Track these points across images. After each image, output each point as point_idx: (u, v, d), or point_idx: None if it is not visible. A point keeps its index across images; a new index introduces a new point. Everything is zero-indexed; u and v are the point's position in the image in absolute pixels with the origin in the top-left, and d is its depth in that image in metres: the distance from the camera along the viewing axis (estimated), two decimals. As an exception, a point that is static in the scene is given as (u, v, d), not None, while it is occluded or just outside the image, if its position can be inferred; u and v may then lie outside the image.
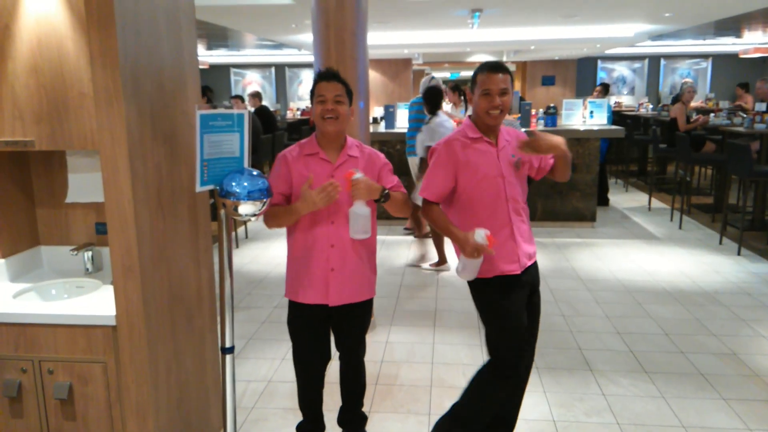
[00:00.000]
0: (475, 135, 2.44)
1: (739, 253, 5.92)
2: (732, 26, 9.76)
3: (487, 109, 2.37)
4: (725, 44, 13.13)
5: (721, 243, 6.32)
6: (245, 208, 2.18)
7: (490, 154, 2.43)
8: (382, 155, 2.56)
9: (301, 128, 11.30)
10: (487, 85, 2.36)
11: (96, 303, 2.24)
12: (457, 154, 2.43)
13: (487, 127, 2.45)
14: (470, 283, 2.53)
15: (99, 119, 2.01)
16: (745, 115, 8.05)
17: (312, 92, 2.46)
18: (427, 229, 6.74)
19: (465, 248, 2.33)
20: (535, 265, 2.57)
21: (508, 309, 2.47)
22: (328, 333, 2.63)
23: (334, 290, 2.46)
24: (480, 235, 2.30)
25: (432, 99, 5.40)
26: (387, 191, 2.40)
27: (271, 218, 2.43)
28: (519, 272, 2.45)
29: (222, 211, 2.23)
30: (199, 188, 2.19)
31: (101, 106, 2.00)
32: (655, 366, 3.62)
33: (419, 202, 2.61)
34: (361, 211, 2.34)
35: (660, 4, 7.13)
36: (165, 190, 2.28)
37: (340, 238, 2.44)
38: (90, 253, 2.58)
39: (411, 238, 6.77)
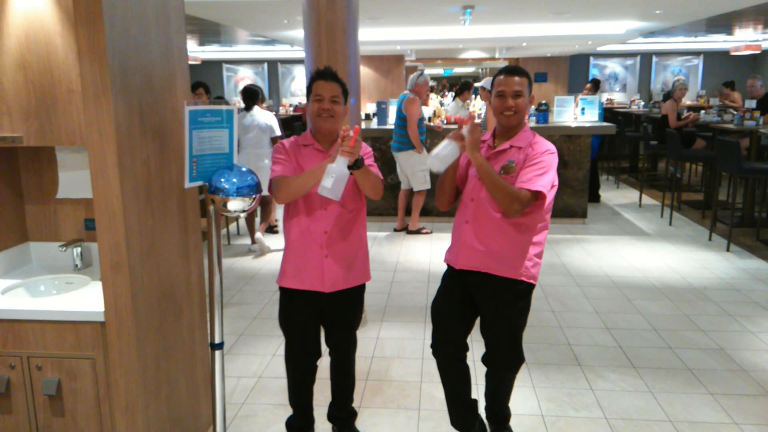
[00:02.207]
0: (484, 138, 2.59)
1: (728, 249, 5.97)
2: (723, 23, 9.81)
3: (500, 110, 2.47)
4: (716, 41, 13.21)
5: (710, 239, 6.36)
6: (234, 204, 2.18)
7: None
8: (367, 146, 2.57)
9: (293, 124, 11.26)
10: (502, 87, 2.46)
11: (85, 299, 2.23)
12: None
13: (505, 129, 2.53)
14: None
15: (87, 115, 2.01)
16: (735, 112, 8.10)
17: (309, 89, 2.49)
18: (418, 225, 6.77)
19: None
20: (490, 278, 2.48)
21: (440, 296, 2.66)
22: (319, 328, 2.65)
23: (329, 277, 2.50)
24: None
25: (247, 97, 6.17)
26: (362, 158, 2.36)
27: (283, 186, 2.39)
28: (456, 267, 2.57)
29: (211, 207, 2.23)
30: (188, 184, 2.19)
31: (89, 102, 1.99)
32: (643, 361, 3.64)
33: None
34: (341, 167, 2.22)
35: (650, 1, 7.16)
36: (154, 186, 2.28)
37: (333, 225, 2.48)
38: (79, 249, 2.58)
39: (403, 234, 6.78)
